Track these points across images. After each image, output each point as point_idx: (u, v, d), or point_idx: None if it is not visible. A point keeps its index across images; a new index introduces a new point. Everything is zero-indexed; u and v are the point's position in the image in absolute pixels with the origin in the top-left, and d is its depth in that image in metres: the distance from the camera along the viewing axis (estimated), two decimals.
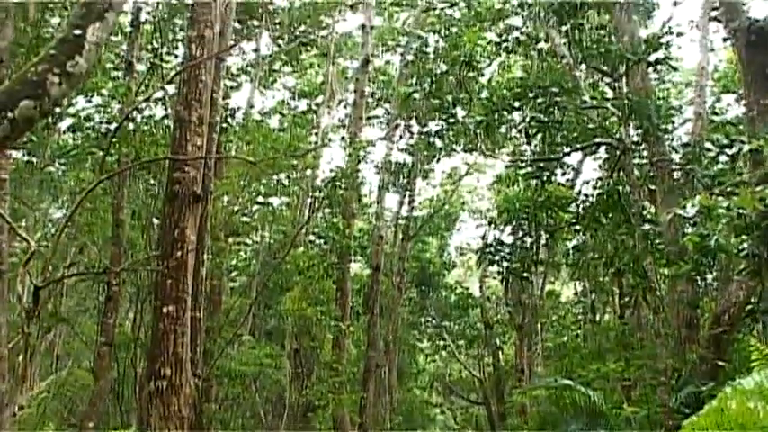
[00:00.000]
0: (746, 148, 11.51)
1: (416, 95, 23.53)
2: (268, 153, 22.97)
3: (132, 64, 22.48)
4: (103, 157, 14.76)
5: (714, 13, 20.76)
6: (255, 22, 29.71)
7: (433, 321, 38.24)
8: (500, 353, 35.25)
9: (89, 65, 6.96)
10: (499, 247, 22.57)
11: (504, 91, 20.17)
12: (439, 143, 24.92)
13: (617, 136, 17.89)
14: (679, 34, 19.93)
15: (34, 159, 23.87)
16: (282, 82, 35.33)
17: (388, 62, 34.46)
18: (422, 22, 30.37)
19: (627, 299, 21.44)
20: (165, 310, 13.20)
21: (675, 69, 22.73)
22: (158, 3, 24.79)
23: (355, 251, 28.51)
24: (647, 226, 17.53)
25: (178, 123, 14.25)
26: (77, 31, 6.88)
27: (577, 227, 20.80)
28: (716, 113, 23.82)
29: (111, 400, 23.33)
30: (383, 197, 30.25)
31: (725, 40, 23.20)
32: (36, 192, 25.01)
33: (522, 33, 22.47)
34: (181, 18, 24.10)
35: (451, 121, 21.00)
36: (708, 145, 16.23)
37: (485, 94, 20.70)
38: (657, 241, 16.99)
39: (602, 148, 20.66)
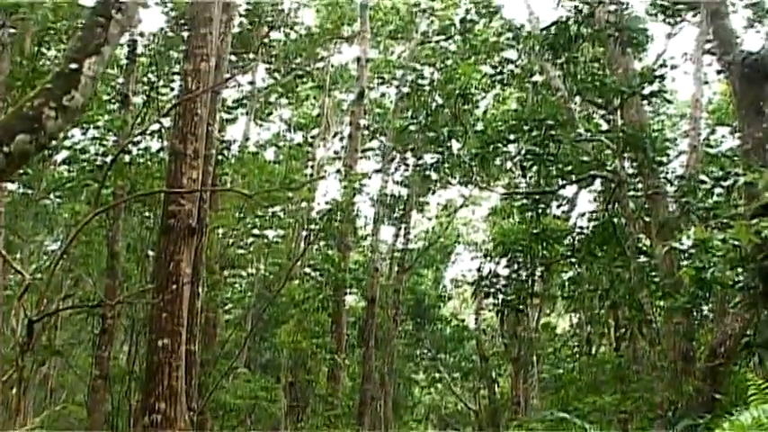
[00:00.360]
0: (741, 180, 11.52)
1: (412, 128, 23.58)
2: (263, 185, 23.01)
3: (128, 97, 22.54)
4: (99, 190, 14.76)
5: (708, 46, 20.85)
6: (251, 55, 29.81)
7: (429, 354, 38.11)
8: (496, 385, 35.13)
9: (85, 99, 6.97)
10: (494, 280, 22.55)
11: (499, 123, 20.23)
12: (434, 175, 24.96)
13: (612, 168, 17.92)
14: (673, 67, 20.08)
15: (29, 191, 23.86)
16: (278, 114, 35.43)
17: (383, 95, 34.58)
18: (417, 54, 30.52)
19: (623, 331, 21.39)
20: (160, 343, 13.16)
21: (670, 102, 22.82)
22: (154, 36, 24.89)
23: (351, 284, 28.44)
24: (642, 258, 17.54)
25: (174, 156, 14.26)
26: (74, 65, 6.89)
27: (573, 259, 20.79)
28: (710, 146, 23.88)
29: None
30: (378, 229, 30.25)
31: (719, 72, 23.32)
32: (31, 224, 24.98)
33: (516, 66, 22.58)
34: (177, 51, 24.18)
35: (447, 153, 21.02)
36: (703, 177, 16.26)
37: (480, 126, 20.75)
38: (653, 274, 16.99)
39: (597, 181, 20.69)
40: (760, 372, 16.56)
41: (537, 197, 19.88)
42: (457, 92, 21.02)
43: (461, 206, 36.01)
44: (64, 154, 23.44)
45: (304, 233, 26.90)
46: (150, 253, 20.69)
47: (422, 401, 42.41)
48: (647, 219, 17.61)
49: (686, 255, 15.65)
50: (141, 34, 23.94)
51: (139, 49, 23.68)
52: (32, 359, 20.39)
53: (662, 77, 17.77)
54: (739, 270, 11.94)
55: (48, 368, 25.22)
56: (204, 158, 15.28)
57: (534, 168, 18.99)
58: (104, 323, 20.55)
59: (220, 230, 24.18)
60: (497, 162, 21.60)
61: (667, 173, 19.41)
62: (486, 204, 35.46)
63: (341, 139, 34.07)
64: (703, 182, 15.97)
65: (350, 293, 30.68)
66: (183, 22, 23.66)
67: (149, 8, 24.85)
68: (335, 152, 34.54)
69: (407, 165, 30.89)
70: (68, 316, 25.42)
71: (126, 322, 23.72)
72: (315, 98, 34.72)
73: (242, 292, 31.35)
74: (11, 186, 21.15)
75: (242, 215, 24.25)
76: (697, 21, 23.68)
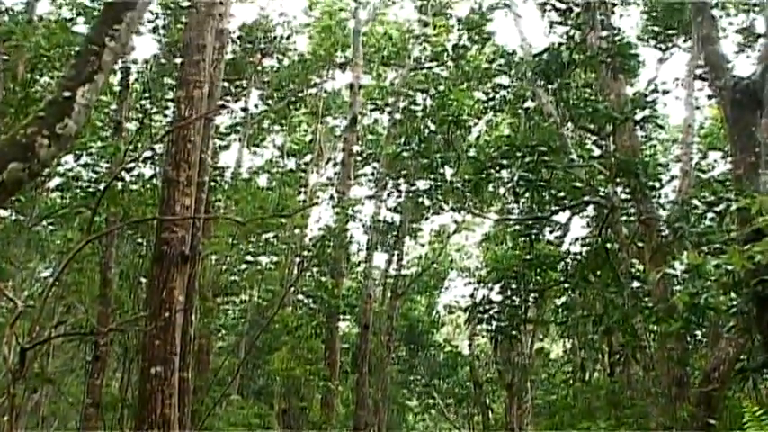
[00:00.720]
0: (734, 206, 11.54)
1: (405, 154, 23.59)
2: (256, 212, 23.00)
3: (121, 123, 22.56)
4: (92, 217, 14.72)
5: (699, 71, 20.97)
6: (244, 82, 29.88)
7: (423, 380, 38.02)
8: (490, 412, 35.02)
9: (78, 126, 6.97)
10: (488, 306, 22.51)
11: (492, 149, 20.25)
12: (427, 202, 25.00)
13: (605, 194, 17.94)
14: (665, 92, 20.16)
15: (22, 218, 23.82)
16: (271, 140, 35.48)
17: (376, 121, 34.67)
18: (410, 80, 30.59)
19: (616, 356, 21.37)
20: (152, 370, 13.10)
21: (662, 127, 22.92)
22: (148, 63, 24.94)
23: (344, 310, 28.42)
24: (636, 284, 17.54)
25: (167, 183, 14.25)
26: (67, 93, 6.90)
27: (566, 285, 20.78)
28: (702, 171, 23.96)
29: None
30: (372, 256, 30.21)
31: (710, 97, 23.49)
32: (23, 251, 24.91)
33: (509, 92, 22.64)
34: (170, 78, 24.23)
35: (440, 179, 21.03)
36: (695, 202, 16.30)
37: (472, 152, 20.78)
38: (647, 299, 16.99)
39: (590, 206, 20.72)
40: (754, 396, 16.59)
41: (530, 223, 19.87)
42: (449, 118, 21.04)
43: (454, 232, 36.03)
44: (57, 181, 23.43)
45: (297, 260, 26.85)
46: (143, 280, 20.63)
47: (416, 428, 42.30)
48: (641, 244, 17.62)
49: (680, 280, 15.68)
50: (134, 61, 24.01)
51: (132, 76, 23.72)
52: (24, 387, 20.29)
53: (654, 103, 17.83)
54: (733, 295, 11.94)
55: (40, 396, 25.08)
56: (197, 185, 15.27)
57: (527, 194, 19.00)
58: (97, 350, 20.48)
59: (213, 257, 24.13)
60: (490, 188, 21.63)
61: (660, 197, 19.48)
62: (479, 230, 35.52)
63: (334, 166, 34.16)
64: (696, 207, 16.01)
65: (343, 320, 30.66)
66: (175, 49, 23.72)
67: (142, 35, 24.97)
68: (328, 178, 34.61)
69: (400, 191, 30.91)
70: (61, 343, 25.32)
71: (119, 350, 23.61)
72: (308, 124, 34.81)
73: (235, 319, 31.28)
74: (3, 213, 21.12)
75: (235, 242, 24.22)
76: (688, 46, 23.89)
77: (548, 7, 20.81)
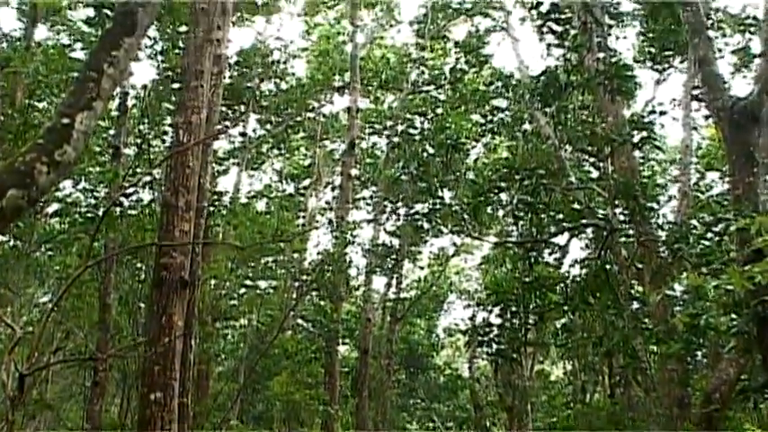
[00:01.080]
0: (734, 226, 11.53)
1: (403, 177, 23.64)
2: (255, 237, 22.99)
3: (120, 149, 22.55)
4: (90, 243, 14.71)
5: (696, 92, 21.01)
6: (243, 107, 29.92)
7: (423, 403, 37.93)
8: None
9: (77, 153, 6.96)
10: (488, 329, 22.46)
11: (490, 172, 20.28)
12: (426, 225, 24.97)
13: (604, 216, 17.93)
14: (662, 113, 20.16)
15: (20, 244, 23.78)
16: (270, 164, 35.51)
17: (374, 144, 34.70)
18: (408, 104, 30.64)
19: (617, 378, 21.34)
20: (152, 396, 13.05)
21: (660, 149, 22.94)
22: (146, 88, 24.97)
23: (343, 334, 28.39)
24: (635, 305, 17.51)
25: (166, 209, 14.25)
26: (65, 120, 6.89)
27: (566, 307, 20.75)
28: (700, 191, 23.97)
29: None
30: (371, 279, 30.20)
31: (707, 118, 23.53)
32: (22, 276, 24.87)
33: (506, 115, 22.68)
34: (168, 103, 24.26)
35: (438, 202, 21.05)
36: (694, 223, 16.30)
37: (471, 175, 20.81)
38: (647, 320, 16.96)
39: (589, 228, 20.71)
40: (755, 417, 16.55)
41: (529, 245, 19.86)
42: (448, 141, 21.08)
43: (453, 255, 35.99)
44: (55, 206, 23.40)
45: (296, 284, 26.83)
46: (142, 306, 20.60)
47: None
48: (640, 266, 17.61)
49: (680, 301, 15.66)
50: (133, 86, 24.04)
51: (131, 102, 23.75)
52: (23, 413, 20.21)
53: (651, 124, 17.86)
54: (733, 316, 11.92)
55: (38, 422, 24.98)
56: (196, 210, 15.27)
57: (526, 217, 19.01)
58: (96, 376, 20.42)
59: (212, 281, 24.10)
60: (489, 211, 21.65)
61: (658, 218, 19.48)
62: (478, 253, 35.49)
63: (332, 189, 34.15)
64: (695, 227, 16.01)
65: (343, 344, 30.61)
66: (174, 74, 23.76)
67: (141, 61, 25.01)
68: (327, 202, 34.63)
69: (399, 214, 30.90)
70: (60, 369, 25.24)
71: (118, 375, 23.55)
72: (306, 148, 34.87)
73: (234, 344, 31.21)
74: (1, 238, 21.09)
75: (234, 266, 24.20)
76: (685, 67, 23.94)
77: (545, 30, 20.85)
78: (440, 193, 21.02)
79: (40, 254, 25.20)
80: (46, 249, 25.24)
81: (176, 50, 23.44)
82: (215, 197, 24.77)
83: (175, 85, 21.66)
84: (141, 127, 24.45)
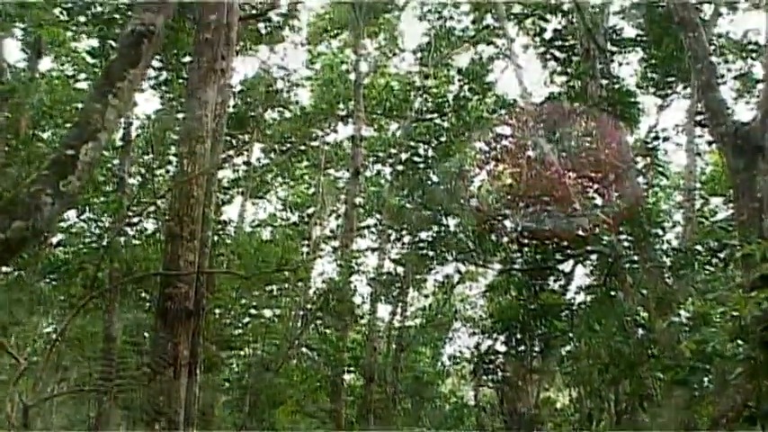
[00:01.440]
0: (739, 252, 11.52)
1: (407, 205, 23.65)
2: (260, 266, 22.95)
3: (124, 179, 22.59)
4: (95, 273, 14.73)
5: (699, 118, 21.02)
6: (246, 136, 29.97)
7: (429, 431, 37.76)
8: None
9: (82, 183, 6.98)
10: (493, 356, 22.42)
11: (494, 200, 20.29)
12: (430, 253, 24.95)
13: (608, 242, 17.92)
14: (665, 139, 20.19)
15: (24, 273, 23.77)
16: (274, 193, 35.53)
17: (378, 172, 34.69)
18: (412, 132, 30.67)
19: (623, 405, 21.23)
20: (157, 426, 13.01)
21: (664, 175, 22.92)
22: (150, 118, 25.04)
23: (349, 362, 28.29)
24: (641, 332, 17.46)
25: (170, 239, 14.23)
26: (70, 151, 6.91)
27: (571, 334, 20.70)
28: (705, 217, 23.93)
29: None
30: (376, 308, 30.14)
31: (710, 143, 23.53)
32: (26, 307, 24.83)
33: (510, 142, 22.70)
34: (172, 133, 24.30)
35: (443, 230, 21.06)
36: (699, 248, 16.29)
37: (475, 203, 20.81)
38: (652, 347, 16.91)
39: (594, 255, 20.69)
40: None
41: (534, 272, 19.85)
42: (452, 169, 21.10)
43: (458, 283, 35.91)
44: (59, 236, 23.41)
45: (301, 313, 26.78)
46: (147, 336, 20.56)
47: None
48: (645, 292, 17.57)
49: (685, 327, 15.61)
50: (137, 116, 24.12)
51: (135, 132, 23.81)
52: None
53: (655, 150, 17.88)
54: (739, 342, 11.88)
55: None
56: (201, 240, 15.25)
57: (530, 244, 19.01)
58: (100, 407, 20.35)
59: (217, 311, 24.05)
60: (493, 238, 21.62)
61: (663, 244, 19.44)
62: (483, 280, 35.38)
63: (336, 218, 34.18)
64: (699, 253, 15.99)
65: (348, 372, 30.50)
66: (178, 104, 23.82)
67: (144, 91, 25.08)
68: (331, 231, 34.61)
69: (404, 242, 30.89)
70: (64, 400, 25.16)
71: (122, 406, 23.48)
72: (310, 177, 34.86)
73: (239, 373, 31.12)
74: (5, 269, 21.07)
75: (239, 295, 24.15)
76: (688, 93, 23.97)
77: (548, 57, 20.93)
78: (444, 221, 21.03)
79: (45, 284, 25.19)
80: (50, 279, 25.23)
81: (180, 80, 23.51)
82: (219, 226, 24.76)
83: (179, 115, 21.71)
84: (145, 157, 24.50)
